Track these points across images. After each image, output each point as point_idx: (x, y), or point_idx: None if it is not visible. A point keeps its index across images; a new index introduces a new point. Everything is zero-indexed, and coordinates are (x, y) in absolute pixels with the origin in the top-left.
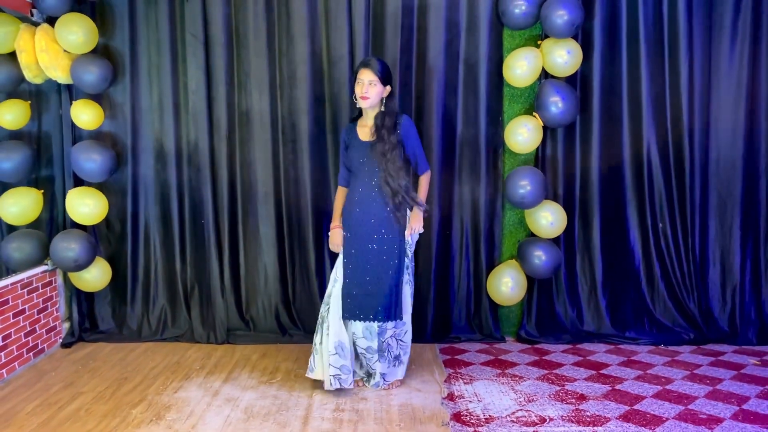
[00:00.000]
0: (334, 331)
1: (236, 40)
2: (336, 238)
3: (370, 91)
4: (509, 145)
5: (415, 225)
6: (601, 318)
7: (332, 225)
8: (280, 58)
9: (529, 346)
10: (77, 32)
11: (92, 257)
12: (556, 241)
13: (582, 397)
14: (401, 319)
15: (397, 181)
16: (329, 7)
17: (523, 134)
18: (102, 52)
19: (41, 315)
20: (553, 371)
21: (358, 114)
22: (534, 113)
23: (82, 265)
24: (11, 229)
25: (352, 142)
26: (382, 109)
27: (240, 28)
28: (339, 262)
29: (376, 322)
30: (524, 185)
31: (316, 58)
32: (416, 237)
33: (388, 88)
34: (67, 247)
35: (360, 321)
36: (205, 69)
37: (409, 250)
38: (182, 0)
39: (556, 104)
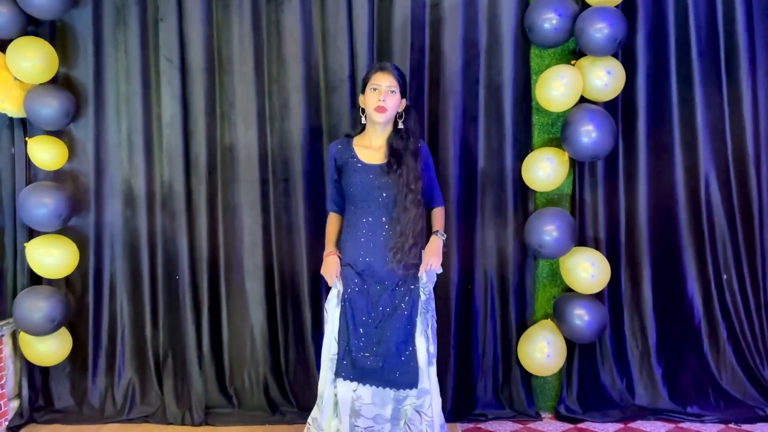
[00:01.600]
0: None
1: (218, 65)
2: (330, 267)
3: (389, 100)
4: (527, 182)
5: (432, 260)
6: (656, 389)
7: (326, 252)
8: (269, 85)
9: (571, 426)
10: (33, 59)
11: (67, 316)
12: (599, 296)
13: None
14: (415, 386)
15: (412, 221)
16: (327, 25)
17: (545, 169)
18: (62, 81)
19: None
20: None
21: (359, 130)
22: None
23: (59, 326)
24: None
25: (349, 164)
26: (400, 126)
27: (223, 51)
28: (333, 306)
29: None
30: (550, 231)
31: (311, 85)
32: (434, 278)
33: (404, 101)
34: (34, 306)
35: (368, 385)
36: (181, 98)
37: (423, 293)
38: (156, 20)
39: (589, 134)
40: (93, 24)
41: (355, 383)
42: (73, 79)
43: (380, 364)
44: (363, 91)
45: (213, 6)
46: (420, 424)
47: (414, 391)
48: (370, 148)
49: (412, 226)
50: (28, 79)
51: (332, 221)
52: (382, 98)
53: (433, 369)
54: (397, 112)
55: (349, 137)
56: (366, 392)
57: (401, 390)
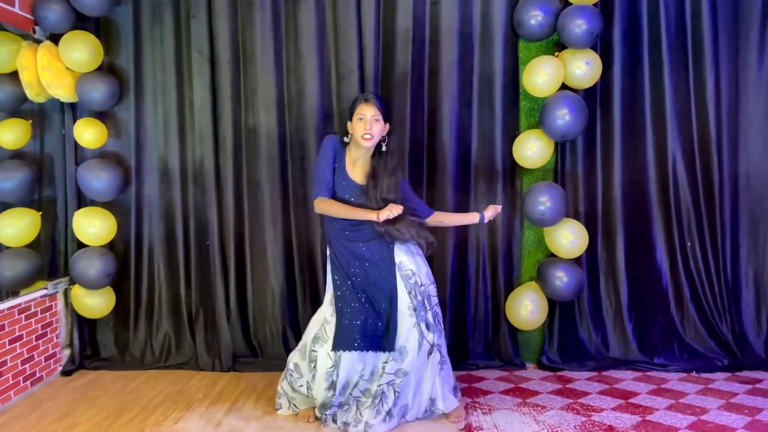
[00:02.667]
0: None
1: (243, 57)
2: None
3: (374, 128)
4: (517, 160)
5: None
6: (627, 343)
7: (371, 216)
8: (287, 74)
9: (552, 374)
10: (82, 50)
11: (116, 272)
12: (578, 261)
13: (610, 429)
14: (392, 349)
15: (406, 228)
16: (338, 21)
17: (532, 148)
18: (106, 70)
19: (40, 342)
20: (578, 400)
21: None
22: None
23: (113, 279)
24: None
25: (340, 173)
26: (383, 149)
27: (247, 44)
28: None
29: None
30: (544, 201)
31: (324, 74)
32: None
33: (387, 126)
34: (89, 264)
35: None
36: (210, 86)
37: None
38: (188, 16)
39: (563, 117)
40: (133, 20)
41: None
42: (116, 68)
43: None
44: (350, 119)
45: (238, 4)
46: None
47: (387, 356)
48: (355, 164)
49: (406, 229)
50: (78, 68)
51: (335, 203)
52: (368, 127)
53: (434, 358)
54: (382, 136)
55: (344, 145)
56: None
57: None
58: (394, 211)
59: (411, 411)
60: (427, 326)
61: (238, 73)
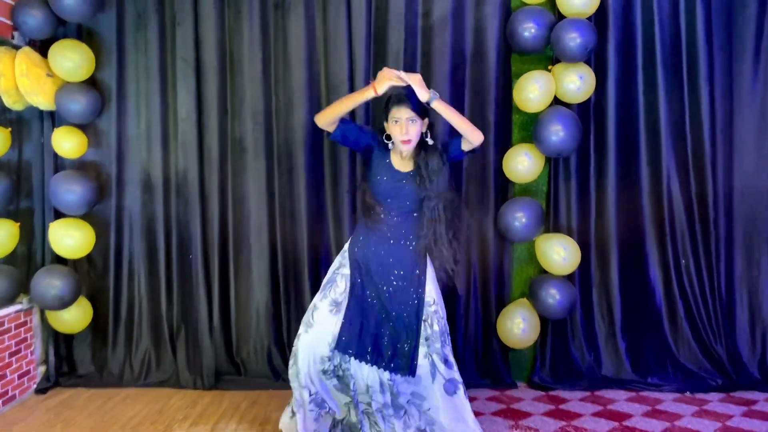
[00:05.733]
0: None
1: (230, 66)
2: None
3: (410, 131)
4: (507, 174)
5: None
6: (620, 362)
7: (366, 89)
8: (276, 85)
9: (544, 393)
10: (74, 59)
11: (77, 295)
12: (570, 278)
13: None
14: (413, 374)
15: (440, 240)
16: (328, 31)
17: (523, 163)
18: (88, 79)
19: (13, 359)
20: (572, 422)
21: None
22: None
23: (67, 303)
24: None
25: (381, 166)
26: (429, 142)
27: (234, 53)
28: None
29: (387, 371)
30: (519, 217)
31: (314, 85)
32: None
33: (426, 120)
34: (50, 283)
35: (367, 364)
36: (196, 95)
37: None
38: (173, 23)
39: (558, 133)
40: (116, 26)
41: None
42: (98, 76)
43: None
44: (386, 119)
45: (225, 12)
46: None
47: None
48: (403, 159)
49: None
50: (69, 77)
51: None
52: (405, 131)
53: (461, 401)
54: (422, 132)
55: (385, 146)
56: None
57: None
58: (393, 77)
59: None
60: (445, 360)
61: (225, 82)
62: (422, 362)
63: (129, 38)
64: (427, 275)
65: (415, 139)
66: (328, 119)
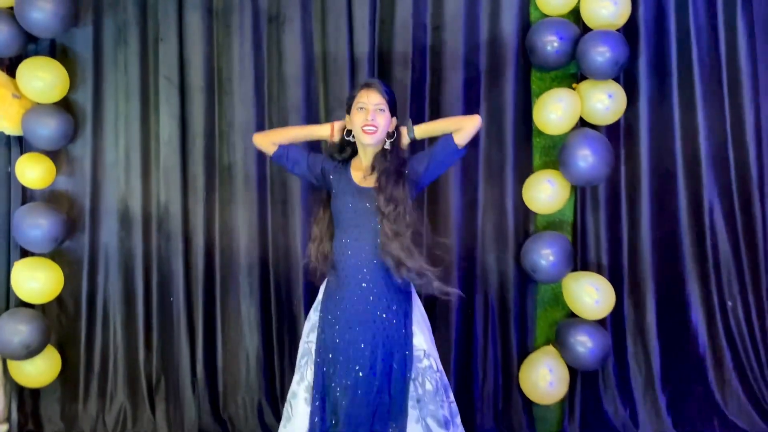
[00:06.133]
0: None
1: (218, 85)
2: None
3: (378, 119)
4: (527, 204)
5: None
6: (660, 419)
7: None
8: (269, 106)
9: None
10: (45, 78)
11: (45, 342)
12: (602, 322)
13: None
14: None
15: (404, 253)
16: (327, 47)
17: (546, 191)
18: (62, 100)
19: None
20: None
21: (349, 154)
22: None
23: (33, 352)
24: None
25: (340, 181)
26: (386, 146)
27: (223, 71)
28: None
29: None
30: (546, 254)
31: (311, 106)
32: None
33: (395, 120)
34: (15, 329)
35: None
36: (180, 118)
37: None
38: (156, 39)
39: (586, 158)
40: (93, 43)
41: None
42: (72, 97)
43: None
44: (348, 112)
45: (214, 26)
46: None
47: None
48: (360, 170)
49: (403, 254)
50: (40, 98)
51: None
52: (371, 117)
53: None
54: (388, 132)
55: (344, 162)
56: None
57: None
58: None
59: None
60: (445, 423)
61: (213, 103)
62: (414, 428)
63: (107, 55)
64: (412, 318)
65: (380, 131)
66: (271, 139)
